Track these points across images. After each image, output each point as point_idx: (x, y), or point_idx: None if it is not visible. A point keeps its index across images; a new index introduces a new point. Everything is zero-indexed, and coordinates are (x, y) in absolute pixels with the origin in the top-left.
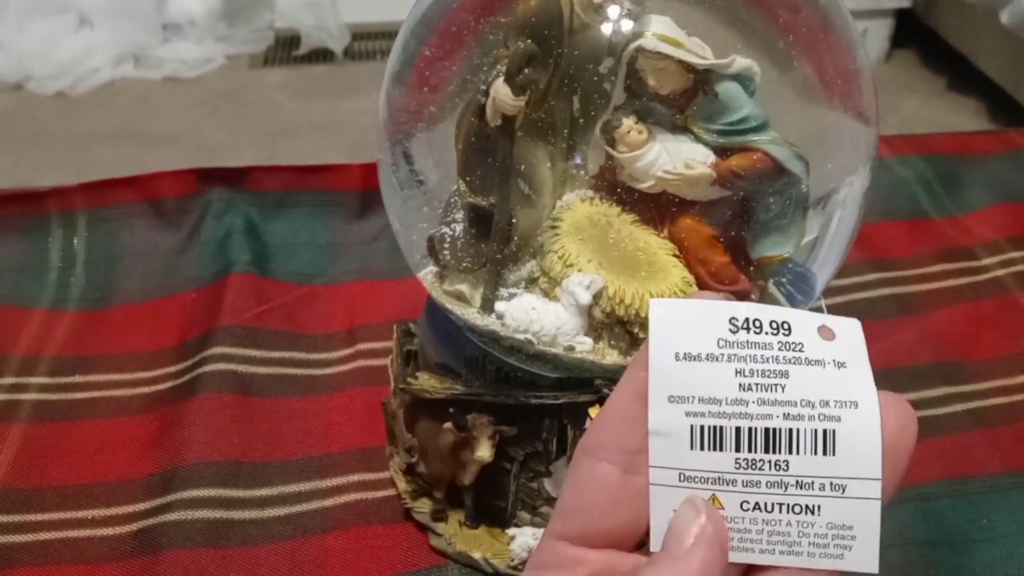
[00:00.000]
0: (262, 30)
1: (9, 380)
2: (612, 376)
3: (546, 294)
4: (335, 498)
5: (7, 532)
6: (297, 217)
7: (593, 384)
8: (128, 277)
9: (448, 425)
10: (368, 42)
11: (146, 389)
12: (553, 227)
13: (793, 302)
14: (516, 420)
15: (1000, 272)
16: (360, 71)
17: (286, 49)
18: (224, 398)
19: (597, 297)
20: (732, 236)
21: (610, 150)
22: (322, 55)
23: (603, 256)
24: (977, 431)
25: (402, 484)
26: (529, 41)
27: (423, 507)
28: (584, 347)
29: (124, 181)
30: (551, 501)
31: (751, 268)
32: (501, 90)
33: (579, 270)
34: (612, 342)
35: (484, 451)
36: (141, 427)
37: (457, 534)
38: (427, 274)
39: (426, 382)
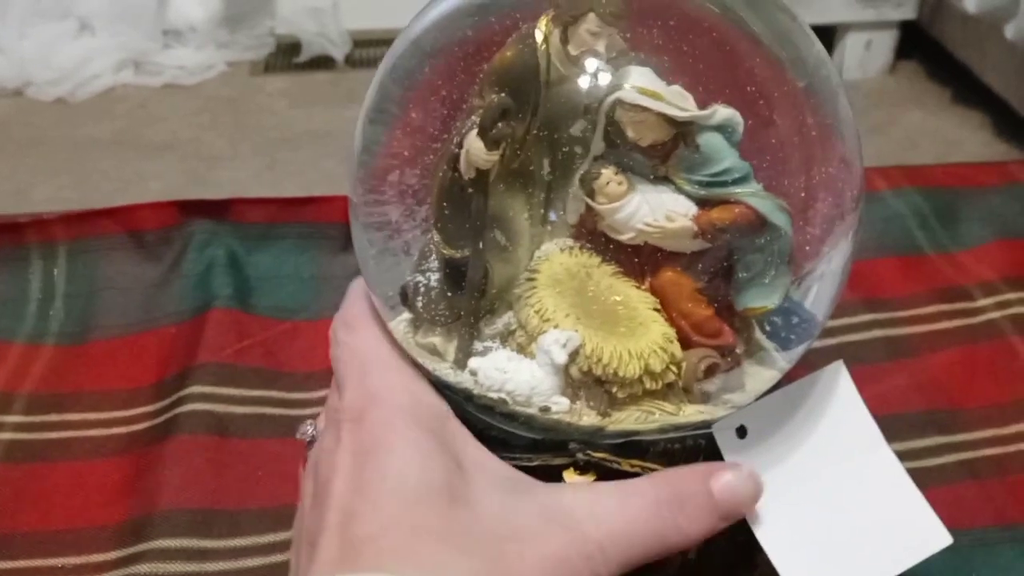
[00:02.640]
0: (263, 36)
1: None
2: (588, 438)
3: (523, 348)
4: None
5: None
6: (281, 250)
7: (567, 447)
8: (108, 311)
9: None
10: (370, 49)
11: (122, 429)
12: (530, 279)
13: (788, 346)
14: None
15: (995, 315)
16: (361, 79)
17: (287, 56)
18: (200, 439)
19: (574, 355)
20: (715, 288)
21: (589, 201)
22: (323, 62)
23: (581, 310)
24: (968, 482)
25: None
26: (503, 95)
27: None
28: (560, 407)
29: (105, 212)
30: None
31: (735, 318)
32: (475, 144)
33: (556, 325)
34: (590, 402)
35: None
36: (116, 470)
37: None
38: (399, 323)
39: None
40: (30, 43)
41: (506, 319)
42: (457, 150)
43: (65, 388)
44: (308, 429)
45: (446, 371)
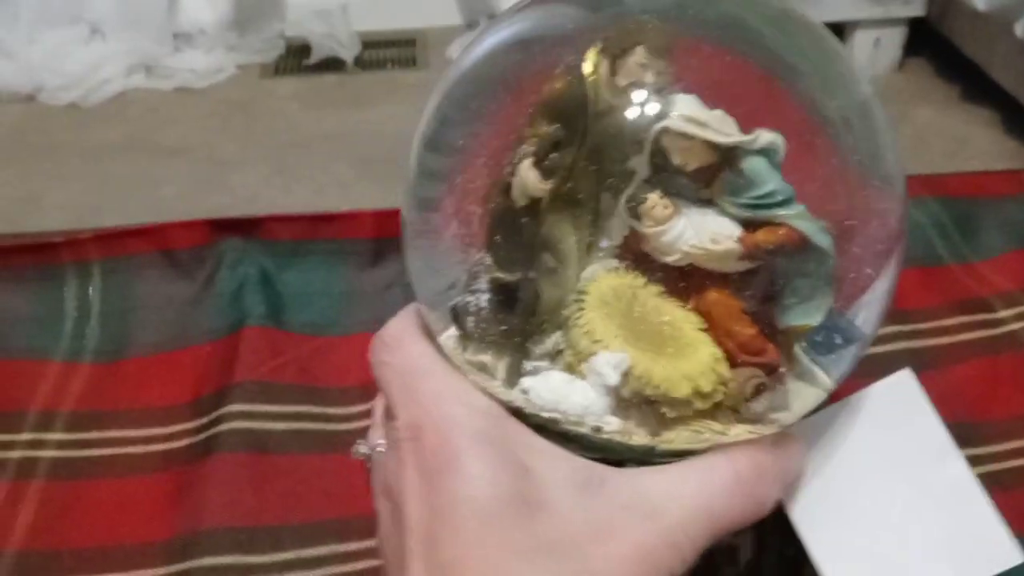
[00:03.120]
0: (272, 39)
1: (27, 436)
2: (639, 457)
3: (571, 368)
4: (353, 563)
5: None
6: (310, 266)
7: (623, 466)
8: (143, 329)
9: None
10: (379, 50)
11: (162, 446)
12: (578, 300)
13: (832, 364)
14: None
15: (1016, 326)
16: (371, 80)
17: (296, 58)
18: (240, 457)
19: (625, 376)
20: (758, 307)
21: (636, 224)
22: (332, 64)
23: (629, 331)
24: (995, 493)
25: None
26: (556, 126)
27: None
28: (611, 427)
29: (138, 231)
30: None
31: (777, 337)
32: (529, 173)
33: (606, 347)
34: (640, 422)
35: None
36: (157, 487)
37: None
38: (448, 339)
39: None
40: (41, 49)
41: (554, 339)
42: (510, 178)
43: (104, 406)
44: (361, 448)
45: (497, 389)
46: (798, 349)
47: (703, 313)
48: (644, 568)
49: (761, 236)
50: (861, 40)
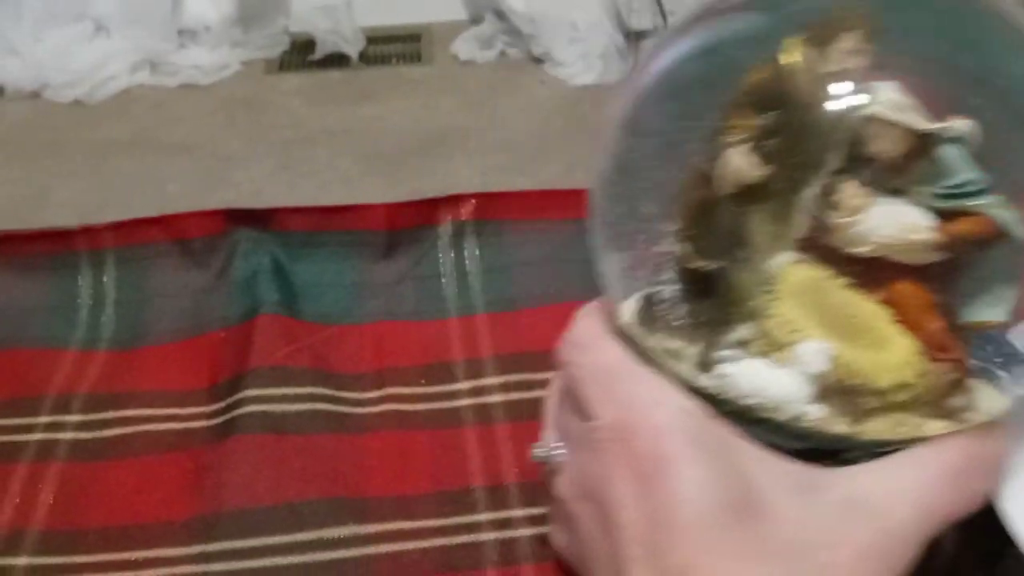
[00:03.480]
0: (277, 35)
1: (45, 419)
2: (834, 447)
3: (762, 357)
4: (376, 546)
5: (54, 574)
6: (323, 257)
7: (817, 456)
8: (158, 316)
9: None
10: (383, 46)
11: (180, 425)
12: (771, 290)
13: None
14: None
15: None
16: (375, 76)
17: (301, 54)
18: (257, 439)
19: (827, 365)
20: (944, 300)
21: (828, 215)
22: (337, 60)
23: (824, 321)
24: None
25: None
26: (774, 112)
27: None
28: (812, 416)
29: (152, 220)
30: None
31: (958, 333)
32: (742, 160)
33: (805, 336)
34: (838, 411)
35: None
36: (176, 467)
37: None
38: (636, 329)
39: None
40: (46, 46)
41: (743, 329)
42: (710, 170)
43: (121, 389)
44: (538, 452)
45: (690, 376)
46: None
47: (892, 305)
48: (874, 569)
49: (957, 226)
50: None
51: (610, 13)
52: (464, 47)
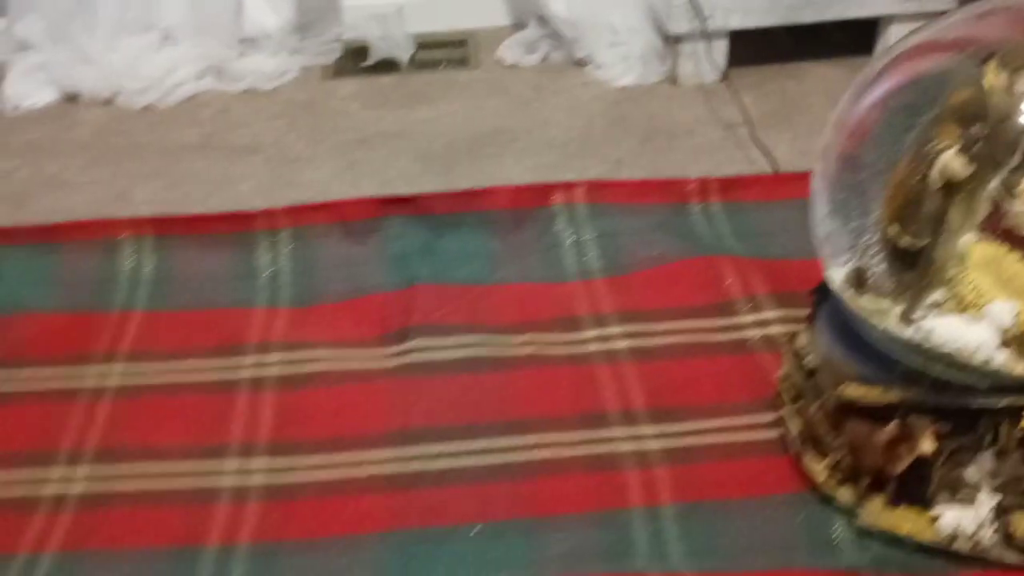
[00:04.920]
0: (331, 42)
1: (251, 359)
2: (1016, 385)
3: (955, 314)
4: (531, 452)
5: (287, 472)
6: (462, 234)
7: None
8: (326, 283)
9: (891, 425)
10: (432, 51)
11: (359, 365)
12: (959, 264)
13: None
14: (950, 419)
15: None
16: (425, 80)
17: (354, 60)
18: (431, 377)
19: (1014, 320)
20: None
21: (1009, 203)
22: (388, 65)
23: (1002, 288)
24: None
25: (821, 475)
26: (980, 125)
27: (845, 495)
28: (998, 360)
29: (319, 206)
30: (972, 487)
31: None
32: (954, 161)
33: (992, 299)
34: (1019, 358)
35: (927, 445)
36: (365, 395)
37: (881, 514)
38: (843, 288)
39: (857, 392)
40: (118, 55)
41: (939, 293)
42: (923, 168)
43: (306, 337)
44: None
45: (896, 329)
46: None
47: None
48: None
49: None
50: (895, 35)
51: (649, 17)
52: (509, 52)
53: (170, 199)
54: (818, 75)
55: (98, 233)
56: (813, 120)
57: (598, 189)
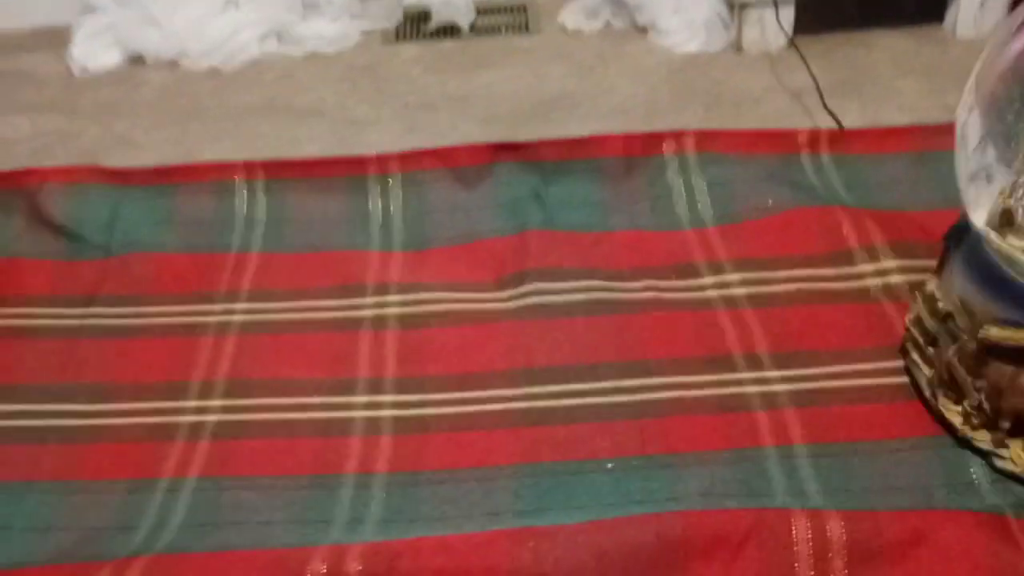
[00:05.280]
0: (392, 7)
1: (371, 299)
2: None
3: None
4: (660, 392)
5: (417, 407)
6: (572, 181)
7: None
8: (439, 227)
9: None
10: (492, 16)
11: (478, 307)
12: None
13: None
14: None
15: None
16: (485, 45)
17: (415, 25)
18: (551, 319)
19: None
20: None
21: None
22: (449, 30)
23: None
24: None
25: (956, 419)
26: None
27: (983, 437)
28: None
29: (430, 152)
30: None
31: None
32: None
33: None
34: None
35: None
36: (486, 335)
37: (1021, 458)
38: (988, 229)
39: (1002, 334)
40: (182, 17)
41: None
42: None
43: (422, 279)
44: None
45: None
46: None
47: None
48: None
49: None
50: (967, 2)
51: None
52: (571, 17)
53: (238, 159)
54: (886, 44)
55: (211, 176)
56: (882, 89)
57: (708, 138)
